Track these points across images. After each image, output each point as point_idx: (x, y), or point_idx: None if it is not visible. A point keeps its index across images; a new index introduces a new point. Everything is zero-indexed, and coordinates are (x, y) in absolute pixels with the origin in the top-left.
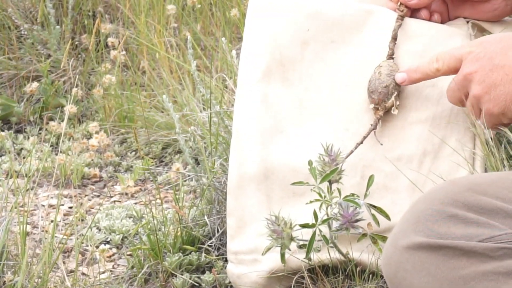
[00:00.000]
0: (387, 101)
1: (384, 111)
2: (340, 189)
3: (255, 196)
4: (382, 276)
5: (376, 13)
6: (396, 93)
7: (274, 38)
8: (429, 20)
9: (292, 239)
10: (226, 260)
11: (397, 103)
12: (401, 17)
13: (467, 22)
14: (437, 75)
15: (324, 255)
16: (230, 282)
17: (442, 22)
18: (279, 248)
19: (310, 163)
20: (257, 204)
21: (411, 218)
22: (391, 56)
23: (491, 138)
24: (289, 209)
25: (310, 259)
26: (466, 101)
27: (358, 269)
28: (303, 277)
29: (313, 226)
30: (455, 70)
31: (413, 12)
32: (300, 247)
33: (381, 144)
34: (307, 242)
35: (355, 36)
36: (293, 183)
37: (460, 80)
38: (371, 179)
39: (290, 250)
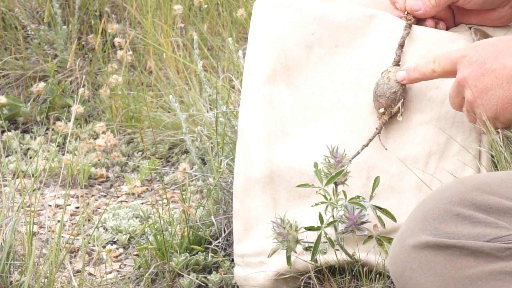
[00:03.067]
0: (394, 106)
1: (389, 116)
2: (345, 191)
3: (261, 199)
4: (389, 277)
5: (379, 18)
6: (402, 99)
7: (279, 42)
8: (435, 28)
9: (297, 241)
10: (233, 260)
11: (403, 109)
12: (409, 26)
13: (470, 28)
14: (434, 76)
15: (330, 257)
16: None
17: (447, 29)
18: (285, 250)
19: (315, 165)
20: (263, 207)
21: (418, 217)
22: (397, 63)
23: (500, 138)
24: (295, 211)
25: (316, 261)
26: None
27: (365, 269)
28: (310, 278)
29: (318, 228)
30: (449, 73)
31: (419, 21)
32: (306, 249)
33: (386, 149)
34: (313, 244)
35: (359, 40)
36: (299, 185)
37: (456, 85)
38: (377, 180)
39: (296, 252)
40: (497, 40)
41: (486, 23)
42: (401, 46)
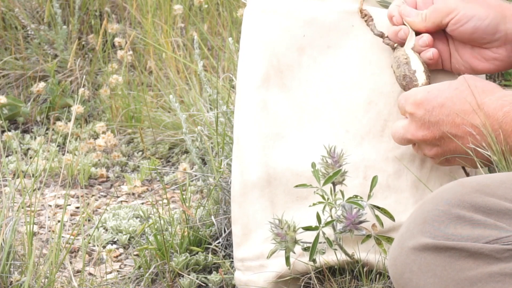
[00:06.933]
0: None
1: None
2: (343, 191)
3: (259, 203)
4: (389, 277)
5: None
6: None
7: (271, 46)
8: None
9: (296, 242)
10: (233, 261)
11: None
12: (370, 18)
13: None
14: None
15: (330, 257)
16: None
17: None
18: (284, 251)
19: (313, 165)
20: (261, 210)
21: (418, 219)
22: (393, 47)
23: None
24: (294, 213)
25: (315, 261)
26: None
27: (365, 269)
28: (310, 278)
29: (316, 228)
30: None
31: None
32: (304, 249)
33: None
34: (311, 244)
35: (351, 39)
36: (297, 186)
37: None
38: (374, 180)
39: (294, 253)
40: (447, 98)
41: (479, 62)
42: (381, 35)
